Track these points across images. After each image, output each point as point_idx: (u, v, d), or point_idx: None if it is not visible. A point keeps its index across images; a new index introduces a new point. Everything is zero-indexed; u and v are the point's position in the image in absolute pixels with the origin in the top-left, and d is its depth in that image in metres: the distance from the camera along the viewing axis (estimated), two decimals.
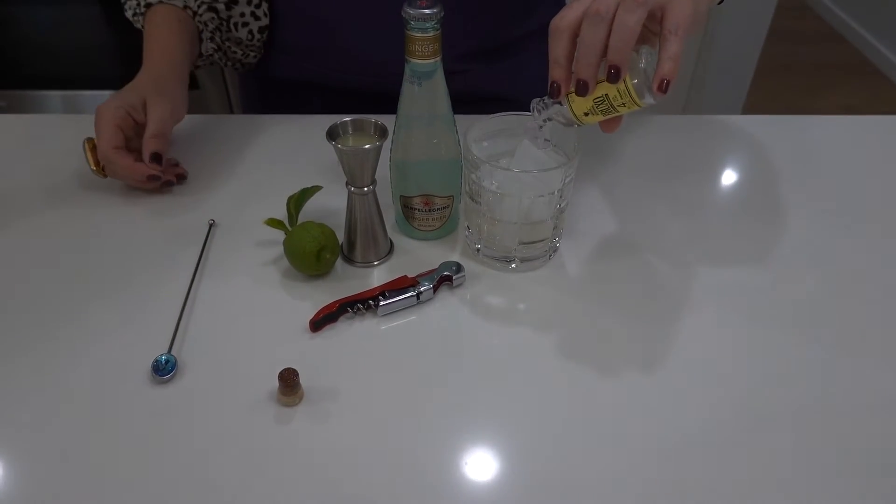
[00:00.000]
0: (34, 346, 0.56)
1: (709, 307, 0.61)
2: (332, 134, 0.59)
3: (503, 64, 0.86)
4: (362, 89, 0.84)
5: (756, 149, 0.82)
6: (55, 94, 2.00)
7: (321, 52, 0.83)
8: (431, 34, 0.55)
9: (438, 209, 0.65)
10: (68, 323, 0.58)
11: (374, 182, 0.60)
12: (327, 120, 0.60)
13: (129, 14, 0.79)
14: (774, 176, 0.77)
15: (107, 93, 2.11)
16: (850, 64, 2.96)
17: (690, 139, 0.83)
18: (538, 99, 0.58)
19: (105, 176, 0.70)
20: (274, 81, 0.90)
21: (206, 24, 0.78)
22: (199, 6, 0.77)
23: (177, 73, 0.73)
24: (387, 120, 0.60)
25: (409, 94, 0.59)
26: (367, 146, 0.57)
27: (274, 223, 0.62)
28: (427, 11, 0.54)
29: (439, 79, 0.58)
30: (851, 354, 0.57)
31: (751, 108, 2.09)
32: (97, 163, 0.70)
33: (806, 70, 2.88)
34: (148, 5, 0.76)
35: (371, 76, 0.82)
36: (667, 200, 0.73)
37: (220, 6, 0.78)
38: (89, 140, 0.71)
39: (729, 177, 0.78)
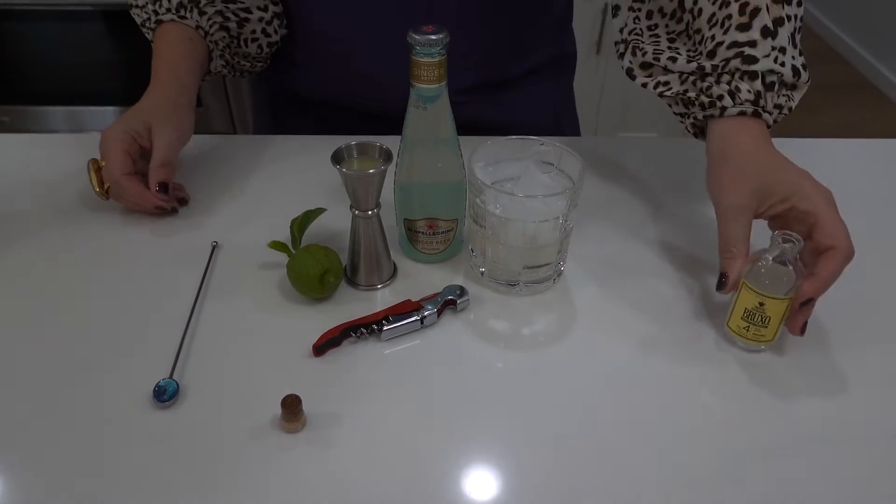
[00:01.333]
0: (34, 368, 0.56)
1: (716, 332, 0.60)
2: (337, 157, 0.59)
3: (503, 97, 0.86)
4: (370, 110, 0.84)
5: None
6: (58, 110, 2.00)
7: (331, 69, 0.83)
8: (437, 59, 0.55)
9: (443, 232, 0.64)
10: (68, 346, 0.58)
11: (378, 206, 0.60)
12: (331, 141, 0.60)
13: (137, 20, 0.78)
14: None
15: (109, 109, 2.12)
16: (850, 84, 2.98)
17: (694, 161, 0.82)
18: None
19: (107, 198, 0.70)
20: (284, 93, 0.90)
21: (216, 44, 0.77)
22: (210, 26, 0.76)
23: (185, 97, 0.73)
24: (391, 141, 0.60)
25: (415, 117, 0.59)
26: (371, 171, 0.57)
27: (277, 246, 0.62)
28: (433, 37, 0.54)
29: (444, 103, 0.58)
30: (854, 381, 0.56)
31: None
32: (101, 184, 0.69)
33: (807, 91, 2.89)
34: (159, 22, 0.75)
35: (379, 96, 0.82)
36: (672, 222, 0.73)
37: (232, 25, 0.77)
38: (94, 161, 0.70)
39: None
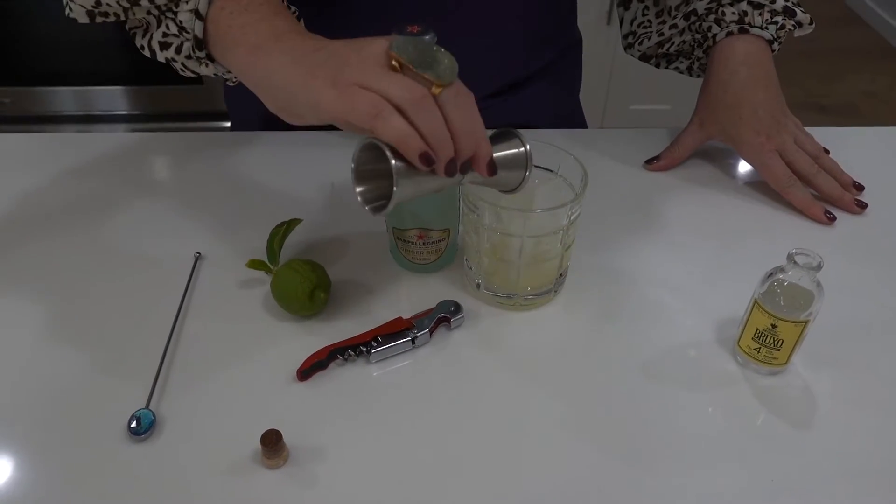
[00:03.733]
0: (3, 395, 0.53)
1: (725, 349, 0.56)
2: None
3: (518, 96, 0.81)
4: None
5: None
6: (64, 91, 1.95)
7: None
8: None
9: (434, 242, 0.61)
10: (36, 369, 0.55)
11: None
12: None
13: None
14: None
15: (118, 89, 2.05)
16: (871, 48, 2.87)
17: (703, 155, 0.78)
18: None
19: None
20: None
21: None
22: None
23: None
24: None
25: None
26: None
27: (256, 265, 0.58)
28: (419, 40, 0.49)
29: None
30: (872, 406, 0.52)
31: None
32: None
33: (826, 55, 2.79)
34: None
35: None
36: (680, 224, 0.68)
37: None
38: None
39: (744, 200, 0.73)
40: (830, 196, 0.69)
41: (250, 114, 0.86)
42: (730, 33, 0.70)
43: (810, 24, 0.71)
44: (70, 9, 0.57)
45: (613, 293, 0.62)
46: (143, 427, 0.50)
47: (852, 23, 3.04)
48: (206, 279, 0.62)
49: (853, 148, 0.77)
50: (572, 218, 0.54)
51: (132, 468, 0.48)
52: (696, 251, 0.66)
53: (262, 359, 0.56)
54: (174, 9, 0.54)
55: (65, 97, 1.96)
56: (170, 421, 0.51)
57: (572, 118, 0.91)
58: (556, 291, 0.60)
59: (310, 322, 0.58)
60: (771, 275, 0.51)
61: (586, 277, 0.63)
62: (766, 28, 0.69)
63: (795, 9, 0.70)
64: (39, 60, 1.86)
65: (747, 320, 0.53)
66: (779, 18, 0.70)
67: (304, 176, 0.73)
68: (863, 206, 0.69)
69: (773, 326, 0.51)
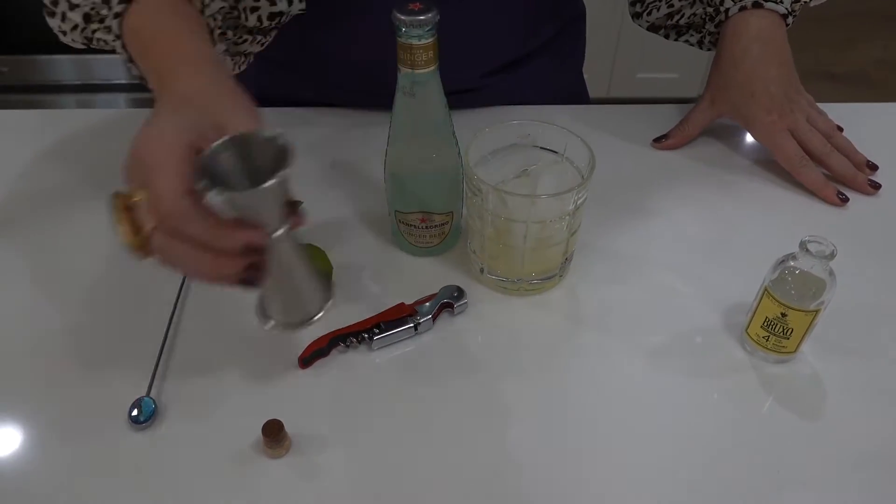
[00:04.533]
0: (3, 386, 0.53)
1: (734, 336, 0.56)
2: (208, 170, 0.40)
3: (517, 74, 0.78)
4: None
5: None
6: (63, 59, 1.91)
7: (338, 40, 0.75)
8: (427, 41, 0.49)
9: (437, 226, 0.59)
10: (36, 360, 0.54)
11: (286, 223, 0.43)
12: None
13: (68, 21, 0.56)
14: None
15: (118, 58, 1.96)
16: (884, 14, 2.80)
17: (713, 133, 0.76)
18: None
19: (147, 254, 0.42)
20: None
21: (214, 18, 0.60)
22: None
23: (229, 71, 0.53)
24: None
25: (403, 104, 0.53)
26: (265, 186, 0.39)
27: None
28: (421, 17, 0.48)
29: (435, 88, 0.52)
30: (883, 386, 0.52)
31: None
32: (136, 230, 0.42)
33: (840, 20, 2.72)
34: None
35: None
36: (690, 206, 0.67)
37: None
38: (120, 196, 0.42)
39: (755, 181, 0.71)
40: (843, 177, 0.68)
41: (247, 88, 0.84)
42: (743, 7, 0.67)
43: None
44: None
45: (619, 277, 0.61)
46: (145, 415, 0.50)
47: None
48: None
49: (868, 125, 0.74)
50: (579, 203, 0.53)
51: (133, 456, 0.48)
52: (705, 234, 0.65)
53: (262, 345, 0.55)
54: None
55: (64, 66, 1.92)
56: (171, 408, 0.51)
57: (573, 94, 0.88)
58: (561, 276, 0.59)
59: None
60: (782, 262, 0.50)
61: (592, 261, 0.61)
62: (781, 1, 0.67)
63: None
64: (37, 28, 1.82)
65: (756, 308, 0.52)
66: None
67: (302, 155, 0.71)
68: (876, 186, 0.68)
69: (783, 315, 0.49)
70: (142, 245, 0.42)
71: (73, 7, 0.55)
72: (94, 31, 0.56)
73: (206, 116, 0.43)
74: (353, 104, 0.76)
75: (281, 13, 0.64)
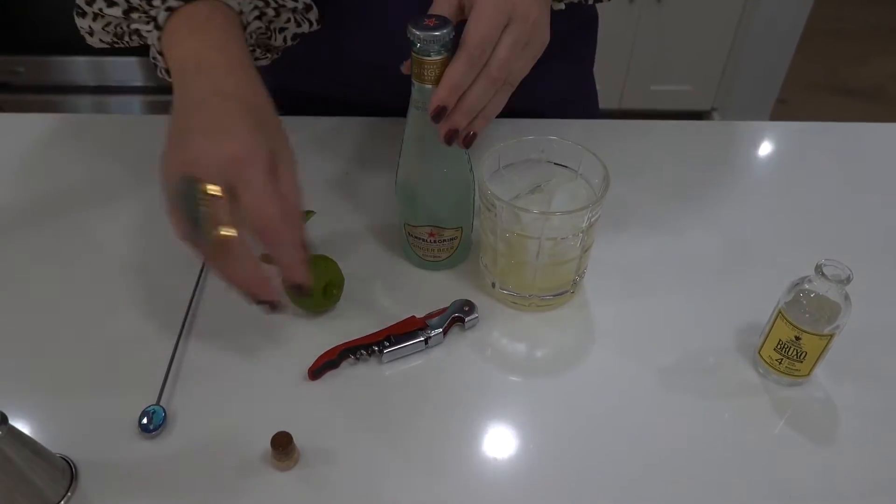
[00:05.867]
0: (11, 391, 0.53)
1: (746, 358, 0.55)
2: None
3: (531, 72, 0.78)
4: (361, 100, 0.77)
5: (795, 159, 0.75)
6: (79, 61, 1.92)
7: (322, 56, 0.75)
8: (442, 56, 0.49)
9: (446, 240, 0.59)
10: (45, 365, 0.54)
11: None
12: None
13: (100, 20, 0.56)
14: (823, 196, 0.70)
15: (133, 59, 2.01)
16: None
17: (728, 146, 0.75)
18: None
19: (214, 260, 0.45)
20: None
21: (250, 36, 0.60)
22: (250, 11, 0.58)
23: (269, 98, 0.51)
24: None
25: (415, 118, 0.53)
26: None
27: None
28: (436, 34, 0.48)
29: None
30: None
31: (795, 73, 1.97)
32: (215, 224, 0.43)
33: (855, 34, 2.71)
34: (169, 8, 0.52)
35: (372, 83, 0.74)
36: (702, 223, 0.67)
37: (270, 11, 0.61)
38: (199, 184, 0.43)
39: (771, 201, 0.71)
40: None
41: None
42: None
43: None
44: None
45: (632, 294, 0.60)
46: (154, 423, 0.50)
47: (881, 2, 2.95)
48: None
49: (886, 143, 0.74)
50: (592, 220, 0.53)
51: (143, 464, 0.48)
52: (719, 253, 0.64)
53: (273, 356, 0.55)
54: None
55: (79, 67, 1.93)
56: (181, 417, 0.51)
57: (582, 97, 0.88)
58: (573, 292, 0.59)
59: (322, 319, 0.58)
60: (797, 284, 0.50)
61: (604, 278, 0.61)
62: None
63: None
64: (53, 28, 1.84)
65: (770, 330, 0.51)
66: None
67: (318, 164, 0.71)
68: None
69: (797, 338, 0.49)
70: (220, 237, 0.43)
71: (111, 4, 0.55)
72: (129, 25, 0.56)
73: (270, 143, 0.47)
74: (361, 99, 0.77)
75: (303, 34, 0.66)
